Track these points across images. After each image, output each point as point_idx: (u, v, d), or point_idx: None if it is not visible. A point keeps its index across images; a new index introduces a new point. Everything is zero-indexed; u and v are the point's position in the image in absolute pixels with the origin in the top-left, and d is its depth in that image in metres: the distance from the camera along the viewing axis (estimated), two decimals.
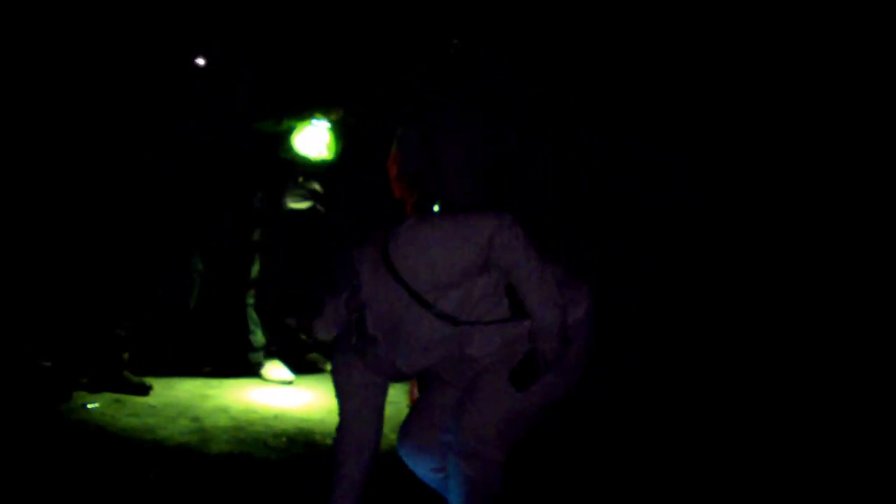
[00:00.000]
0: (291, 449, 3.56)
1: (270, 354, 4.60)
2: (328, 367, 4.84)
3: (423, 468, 2.72)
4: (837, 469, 3.57)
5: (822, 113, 4.46)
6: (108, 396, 3.87)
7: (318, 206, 4.63)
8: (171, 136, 4.10)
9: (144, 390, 4.00)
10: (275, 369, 4.56)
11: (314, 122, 4.49)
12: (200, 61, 4.23)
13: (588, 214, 4.78)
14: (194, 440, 3.52)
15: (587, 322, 2.61)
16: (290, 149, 4.48)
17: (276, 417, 3.91)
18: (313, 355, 4.87)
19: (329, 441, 3.65)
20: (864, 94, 4.41)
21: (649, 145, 4.72)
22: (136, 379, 4.02)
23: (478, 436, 2.51)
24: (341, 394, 2.60)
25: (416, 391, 4.31)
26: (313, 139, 4.51)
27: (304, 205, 4.58)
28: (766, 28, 4.57)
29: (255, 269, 4.59)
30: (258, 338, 4.60)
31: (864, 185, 4.41)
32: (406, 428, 2.74)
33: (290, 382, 4.51)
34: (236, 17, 4.18)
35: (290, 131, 4.47)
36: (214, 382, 4.36)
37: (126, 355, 4.06)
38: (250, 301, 4.59)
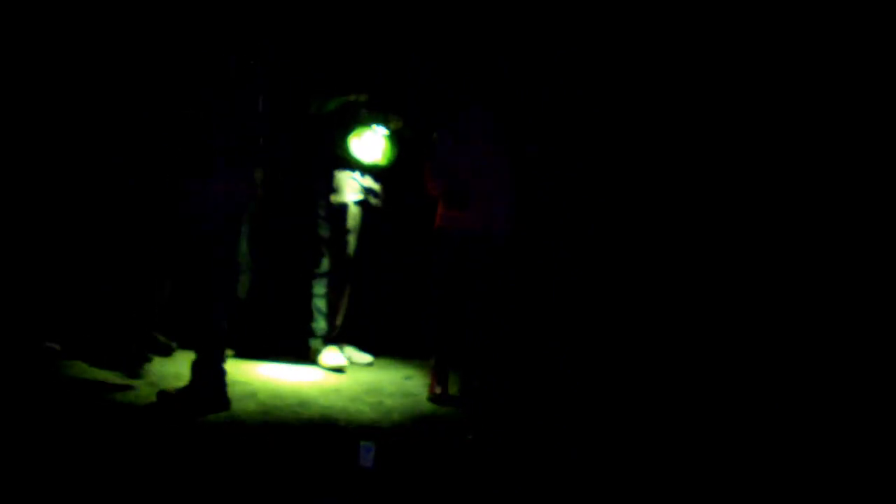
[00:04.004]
0: (315, 434, 3.66)
1: (329, 342, 4.81)
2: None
3: None
4: (837, 469, 3.54)
5: (822, 112, 4.37)
6: (144, 379, 4.06)
7: (372, 201, 4.83)
8: (183, 133, 4.07)
9: (169, 351, 4.34)
10: (331, 356, 4.76)
11: (374, 128, 4.68)
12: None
13: (589, 214, 4.81)
14: (223, 422, 3.64)
15: None
16: (346, 149, 4.70)
17: (301, 405, 4.04)
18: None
19: (351, 428, 3.79)
20: (865, 95, 4.31)
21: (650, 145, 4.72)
22: (162, 339, 4.34)
23: None
24: None
25: (436, 384, 4.42)
26: (370, 145, 4.71)
27: (358, 199, 4.78)
28: (765, 27, 4.53)
29: (325, 264, 4.84)
30: (320, 325, 4.84)
31: (864, 185, 4.32)
32: None
33: (342, 371, 4.71)
34: (253, 17, 4.14)
35: (345, 122, 4.66)
36: (243, 369, 4.49)
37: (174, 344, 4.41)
38: (319, 291, 4.84)
